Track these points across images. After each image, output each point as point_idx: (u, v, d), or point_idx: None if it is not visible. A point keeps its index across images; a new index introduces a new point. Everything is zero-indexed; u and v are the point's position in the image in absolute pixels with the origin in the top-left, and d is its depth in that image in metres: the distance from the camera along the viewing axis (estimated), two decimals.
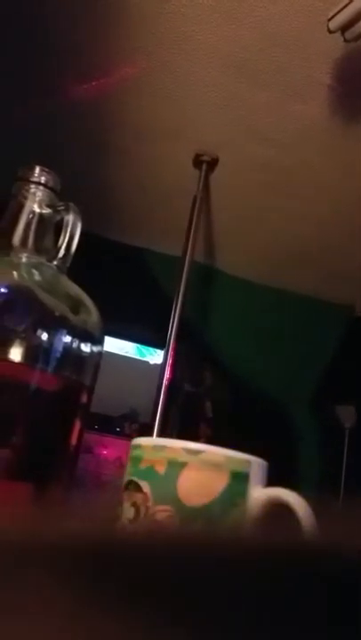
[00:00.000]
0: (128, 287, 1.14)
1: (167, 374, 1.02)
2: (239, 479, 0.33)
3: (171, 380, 0.98)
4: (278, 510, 0.34)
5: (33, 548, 0.15)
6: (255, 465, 0.34)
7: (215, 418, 1.14)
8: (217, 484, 0.32)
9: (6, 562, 0.15)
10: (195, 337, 1.13)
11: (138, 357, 1.18)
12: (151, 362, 1.22)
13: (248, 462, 0.33)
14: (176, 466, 0.32)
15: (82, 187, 0.50)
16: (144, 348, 1.20)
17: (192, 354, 1.13)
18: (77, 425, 0.44)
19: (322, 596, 0.15)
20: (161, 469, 0.33)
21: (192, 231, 0.96)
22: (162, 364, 0.94)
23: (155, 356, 1.23)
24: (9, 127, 0.86)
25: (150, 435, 0.83)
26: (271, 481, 0.36)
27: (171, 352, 1.00)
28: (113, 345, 1.24)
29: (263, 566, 0.15)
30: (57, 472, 0.42)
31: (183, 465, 0.32)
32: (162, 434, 1.07)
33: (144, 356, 1.23)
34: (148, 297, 1.12)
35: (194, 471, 0.32)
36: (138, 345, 1.20)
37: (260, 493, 0.33)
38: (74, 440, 0.44)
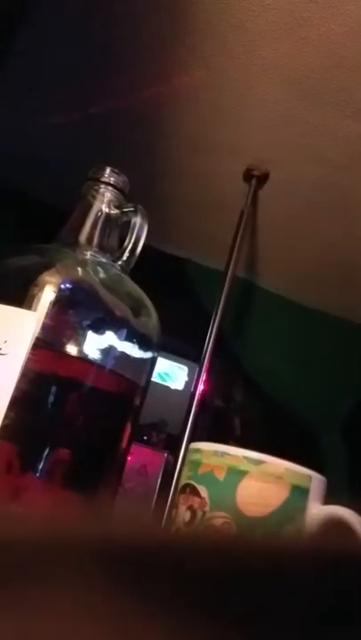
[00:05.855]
0: (165, 296, 1.13)
1: (200, 389, 1.01)
2: (299, 493, 0.32)
3: (203, 396, 0.97)
4: (334, 529, 0.32)
5: (78, 548, 0.14)
6: (316, 480, 0.33)
7: (243, 436, 1.12)
8: (277, 497, 0.31)
9: (47, 560, 0.14)
10: (228, 352, 1.11)
11: (159, 382, 1.15)
12: (172, 387, 1.19)
13: (309, 477, 0.32)
14: (236, 474, 0.31)
15: (130, 192, 0.50)
16: (164, 374, 1.17)
17: (224, 369, 1.11)
18: (128, 428, 0.43)
19: None
20: (220, 475, 0.32)
21: (236, 245, 0.96)
22: (195, 377, 0.92)
23: (175, 382, 1.19)
24: (65, 132, 0.87)
25: (179, 446, 0.82)
26: None
27: (205, 367, 0.99)
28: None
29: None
30: (106, 477, 0.42)
31: (244, 473, 0.31)
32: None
33: (165, 381, 1.19)
34: (184, 307, 1.11)
35: (254, 481, 0.31)
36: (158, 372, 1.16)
37: (318, 510, 0.32)
38: (124, 444, 0.43)
